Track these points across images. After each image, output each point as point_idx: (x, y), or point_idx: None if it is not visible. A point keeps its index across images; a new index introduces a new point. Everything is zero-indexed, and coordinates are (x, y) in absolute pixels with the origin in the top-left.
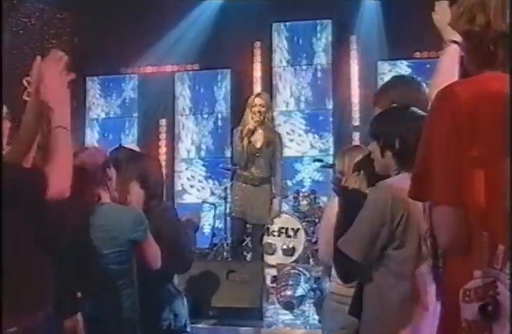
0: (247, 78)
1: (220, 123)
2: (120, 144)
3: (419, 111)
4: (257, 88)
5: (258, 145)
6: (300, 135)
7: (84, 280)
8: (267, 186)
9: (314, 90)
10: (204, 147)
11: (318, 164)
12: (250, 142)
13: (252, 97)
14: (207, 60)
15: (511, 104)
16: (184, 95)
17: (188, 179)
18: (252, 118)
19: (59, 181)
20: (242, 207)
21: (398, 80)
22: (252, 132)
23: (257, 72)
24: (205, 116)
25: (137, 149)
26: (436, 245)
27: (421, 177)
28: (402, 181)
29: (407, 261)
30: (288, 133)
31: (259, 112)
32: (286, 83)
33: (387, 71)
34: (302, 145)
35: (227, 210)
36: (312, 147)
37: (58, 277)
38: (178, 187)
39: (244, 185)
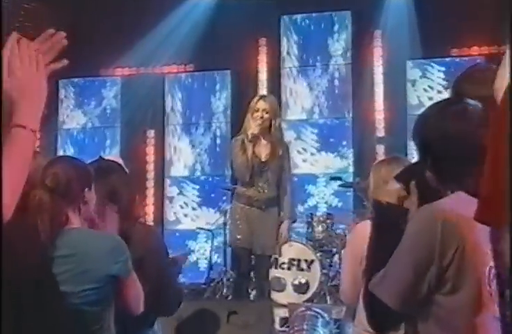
0: (250, 82)
1: (218, 134)
2: (100, 156)
3: (478, 107)
4: (263, 92)
5: (263, 157)
6: (312, 148)
7: (47, 326)
8: (274, 210)
9: (330, 95)
10: (199, 163)
11: (336, 184)
12: (254, 153)
13: (255, 99)
14: (203, 60)
15: (511, 104)
16: (175, 101)
17: (181, 206)
18: (255, 125)
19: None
20: (245, 234)
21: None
22: (256, 141)
23: (263, 74)
24: (201, 126)
25: (120, 161)
26: (504, 287)
27: (494, 196)
28: (457, 204)
29: (462, 309)
30: (299, 151)
31: (261, 118)
32: (297, 88)
33: (418, 72)
34: (316, 162)
35: (227, 238)
36: (328, 164)
37: (12, 325)
38: (171, 217)
39: (248, 208)
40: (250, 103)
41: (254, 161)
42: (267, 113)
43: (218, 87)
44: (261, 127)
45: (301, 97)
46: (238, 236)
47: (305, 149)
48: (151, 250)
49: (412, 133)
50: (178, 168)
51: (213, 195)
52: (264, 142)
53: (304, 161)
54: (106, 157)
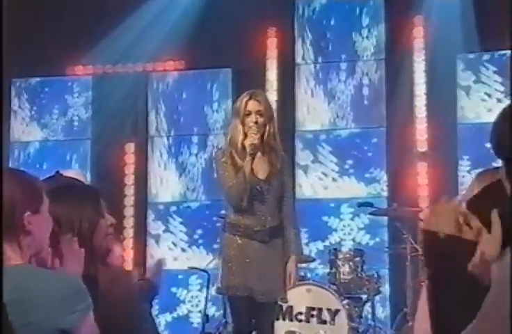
0: (256, 82)
1: (216, 145)
2: (58, 171)
3: None
4: (273, 96)
5: (261, 175)
6: (334, 169)
7: None
8: (279, 242)
9: (357, 99)
10: (193, 186)
11: (365, 212)
12: (253, 171)
13: (243, 98)
14: (197, 56)
15: None
16: (162, 107)
17: (169, 248)
18: (252, 133)
19: None
20: (243, 277)
21: None
22: (256, 153)
23: (272, 73)
24: (195, 139)
25: (82, 178)
26: None
27: None
28: None
29: None
30: (318, 176)
31: (256, 123)
32: (315, 90)
33: (470, 66)
34: (338, 188)
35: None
36: (354, 188)
37: None
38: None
39: (246, 241)
40: (236, 103)
41: (252, 180)
42: (261, 115)
43: (215, 89)
44: (260, 136)
45: (320, 102)
46: (234, 280)
47: (325, 174)
48: (121, 301)
49: (494, 145)
50: (165, 193)
51: (209, 225)
52: (258, 155)
53: (325, 188)
54: (65, 173)
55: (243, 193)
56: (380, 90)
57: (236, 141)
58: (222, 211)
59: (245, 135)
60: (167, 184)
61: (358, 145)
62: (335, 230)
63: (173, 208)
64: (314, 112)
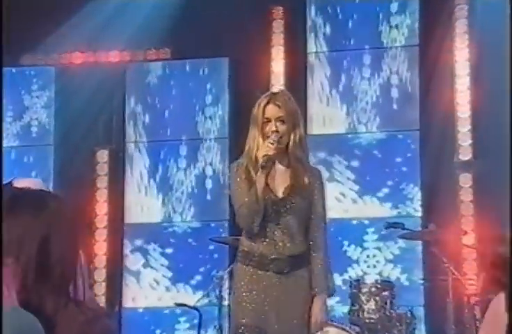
0: (259, 75)
1: (210, 158)
2: (11, 180)
3: None
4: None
5: (281, 193)
6: (353, 186)
7: None
8: (303, 274)
9: (383, 96)
10: (179, 203)
11: (389, 236)
12: (267, 186)
13: (261, 102)
14: (185, 43)
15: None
16: (141, 106)
17: (151, 286)
18: (268, 143)
19: None
20: (257, 317)
21: None
22: (270, 168)
23: (278, 64)
24: (183, 146)
25: (40, 185)
26: None
27: None
28: None
29: None
30: (334, 196)
31: (275, 132)
32: (333, 84)
33: None
34: (359, 210)
35: (225, 324)
36: (379, 207)
37: None
38: (130, 296)
39: (260, 273)
40: (254, 108)
41: (267, 198)
42: (283, 122)
43: (209, 84)
44: (278, 146)
45: (336, 99)
46: (245, 321)
47: (343, 195)
48: None
49: None
50: (147, 213)
51: (200, 255)
52: (280, 168)
53: (345, 210)
54: (20, 182)
55: (255, 213)
56: (413, 85)
57: (251, 153)
58: (224, 234)
59: (264, 144)
60: (148, 201)
61: (384, 153)
62: (356, 262)
63: (155, 232)
64: (329, 112)
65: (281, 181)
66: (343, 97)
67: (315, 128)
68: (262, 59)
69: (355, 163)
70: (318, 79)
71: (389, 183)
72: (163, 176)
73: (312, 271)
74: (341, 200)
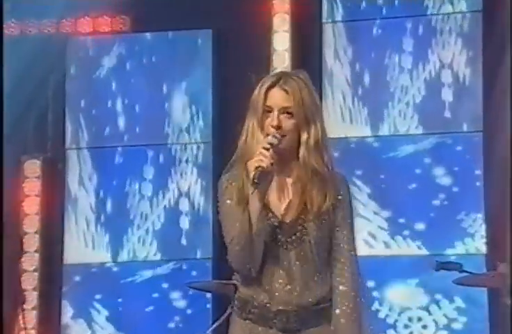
0: (255, 54)
1: (188, 170)
2: None
3: None
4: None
5: (287, 216)
6: (383, 227)
7: None
8: (324, 332)
9: (430, 84)
10: (145, 232)
11: (446, 277)
12: (266, 207)
13: (263, 86)
14: (150, 9)
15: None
16: (91, 96)
17: None
18: (260, 150)
19: None
20: None
21: None
22: (269, 181)
23: (282, 38)
24: (150, 152)
25: None
26: None
27: None
28: None
29: None
30: (364, 238)
31: (276, 129)
32: (355, 66)
33: None
34: (399, 247)
35: None
36: (423, 243)
37: None
38: None
39: (261, 330)
40: (255, 91)
41: (267, 224)
42: (291, 115)
43: (184, 66)
44: (280, 150)
45: (361, 87)
46: None
47: (373, 236)
48: None
49: None
50: (96, 250)
51: (170, 311)
52: (286, 180)
53: (374, 257)
54: None
55: (250, 250)
56: (474, 70)
57: (246, 157)
58: (206, 277)
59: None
60: (96, 234)
61: (427, 167)
62: (394, 327)
63: (105, 280)
64: (350, 106)
65: (287, 199)
66: (371, 83)
67: (329, 129)
68: (260, 32)
69: (384, 183)
70: (338, 60)
71: (437, 210)
72: (119, 196)
73: (336, 326)
74: (370, 242)
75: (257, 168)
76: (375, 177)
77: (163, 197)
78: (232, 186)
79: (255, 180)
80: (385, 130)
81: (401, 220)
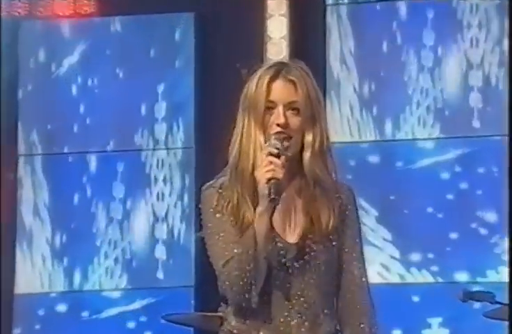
0: (247, 43)
1: (167, 178)
2: None
3: None
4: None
5: (292, 237)
6: (395, 256)
7: None
8: None
9: (454, 86)
10: (114, 260)
11: (474, 309)
12: (270, 226)
13: (263, 77)
14: None
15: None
16: (50, 92)
17: None
18: (268, 157)
19: None
20: None
21: None
22: (276, 193)
23: (278, 25)
24: (118, 157)
25: None
26: None
27: None
28: None
29: None
30: (377, 270)
31: (283, 128)
32: (369, 59)
33: None
34: (420, 273)
35: None
36: (447, 271)
37: None
38: None
39: None
40: (247, 87)
41: (273, 248)
42: (298, 112)
43: (161, 57)
44: (291, 152)
45: (373, 85)
46: None
47: (386, 267)
48: None
49: None
50: (55, 280)
51: None
52: (288, 194)
53: (389, 285)
54: None
55: (252, 275)
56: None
57: (242, 165)
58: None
59: (263, 151)
60: (54, 263)
61: (450, 184)
62: None
63: (67, 315)
64: (358, 110)
65: (291, 215)
66: (385, 79)
67: (333, 133)
68: (251, 16)
69: (395, 203)
70: (344, 51)
71: (462, 231)
72: (83, 218)
73: None
74: (384, 275)
75: (269, 179)
76: (384, 197)
77: (136, 220)
78: (223, 197)
79: (273, 196)
80: (399, 138)
81: (417, 247)
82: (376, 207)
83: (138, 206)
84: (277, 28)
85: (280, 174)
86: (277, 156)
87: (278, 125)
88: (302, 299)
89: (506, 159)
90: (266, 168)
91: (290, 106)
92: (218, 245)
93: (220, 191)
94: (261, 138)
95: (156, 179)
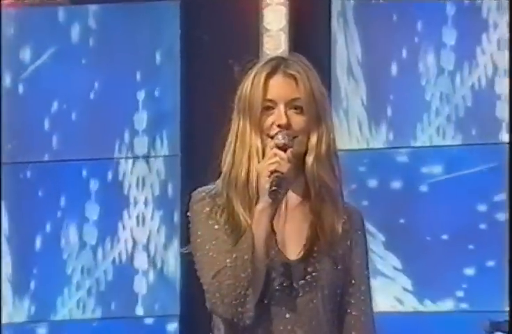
0: (240, 35)
1: (146, 191)
2: None
3: None
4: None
5: (293, 253)
6: (407, 288)
7: None
8: None
9: (479, 92)
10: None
11: None
12: (270, 240)
13: (260, 73)
14: None
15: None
16: (13, 95)
17: None
18: (274, 150)
19: None
20: None
21: None
22: (283, 196)
23: (277, 16)
24: (89, 166)
25: None
26: None
27: None
28: None
29: None
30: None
31: (284, 128)
32: (381, 57)
33: None
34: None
35: None
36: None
37: None
38: None
39: None
40: (243, 85)
41: (273, 262)
42: (301, 111)
43: (143, 49)
44: (296, 152)
45: (384, 88)
46: None
47: (398, 300)
48: None
49: None
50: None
51: None
52: (291, 201)
53: (403, 314)
54: None
55: (246, 285)
56: None
57: (237, 171)
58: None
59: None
60: (18, 294)
61: (469, 204)
62: None
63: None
64: (366, 115)
65: (292, 229)
66: (398, 86)
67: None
68: (245, 5)
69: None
70: (351, 46)
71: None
72: (51, 243)
73: None
74: (396, 306)
75: (272, 172)
76: (393, 220)
77: (112, 247)
78: (216, 203)
79: (274, 187)
80: (414, 150)
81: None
82: (384, 231)
83: (115, 229)
84: (275, 19)
85: (284, 168)
86: (284, 149)
87: (279, 126)
88: (303, 323)
89: None
90: (270, 160)
91: (292, 105)
92: (209, 255)
93: (213, 196)
94: (258, 143)
95: (136, 201)
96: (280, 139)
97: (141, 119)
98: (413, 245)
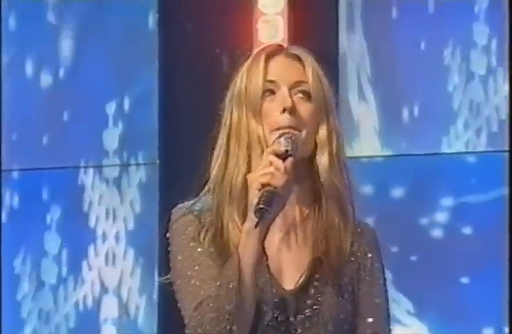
0: (232, 22)
1: (125, 205)
2: None
3: None
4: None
5: (290, 280)
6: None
7: None
8: None
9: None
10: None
11: None
12: (266, 263)
13: (259, 56)
14: None
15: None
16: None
17: None
18: (269, 157)
19: None
20: None
21: None
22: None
23: (276, 5)
24: (60, 174)
25: None
26: None
27: None
28: None
29: None
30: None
31: (290, 114)
32: (397, 55)
33: None
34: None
35: None
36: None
37: None
38: None
39: None
40: (239, 75)
41: (264, 293)
42: (308, 97)
43: (117, 49)
44: (301, 153)
45: (400, 92)
46: None
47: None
48: None
49: None
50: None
51: None
52: (291, 213)
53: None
54: None
55: (231, 319)
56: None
57: (233, 176)
58: None
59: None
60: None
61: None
62: None
63: None
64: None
65: (290, 252)
66: (418, 91)
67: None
68: None
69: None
70: (360, 37)
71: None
72: (7, 281)
73: None
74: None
75: (264, 186)
76: (403, 256)
77: (75, 288)
78: (200, 222)
79: (262, 205)
80: (438, 166)
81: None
82: (391, 269)
83: (79, 268)
84: (272, 1)
85: (279, 181)
86: (283, 158)
87: (284, 111)
88: None
89: None
90: (264, 170)
91: (297, 89)
92: (191, 283)
93: (196, 214)
94: (261, 132)
95: (104, 234)
96: (282, 145)
97: (113, 126)
98: (425, 286)
